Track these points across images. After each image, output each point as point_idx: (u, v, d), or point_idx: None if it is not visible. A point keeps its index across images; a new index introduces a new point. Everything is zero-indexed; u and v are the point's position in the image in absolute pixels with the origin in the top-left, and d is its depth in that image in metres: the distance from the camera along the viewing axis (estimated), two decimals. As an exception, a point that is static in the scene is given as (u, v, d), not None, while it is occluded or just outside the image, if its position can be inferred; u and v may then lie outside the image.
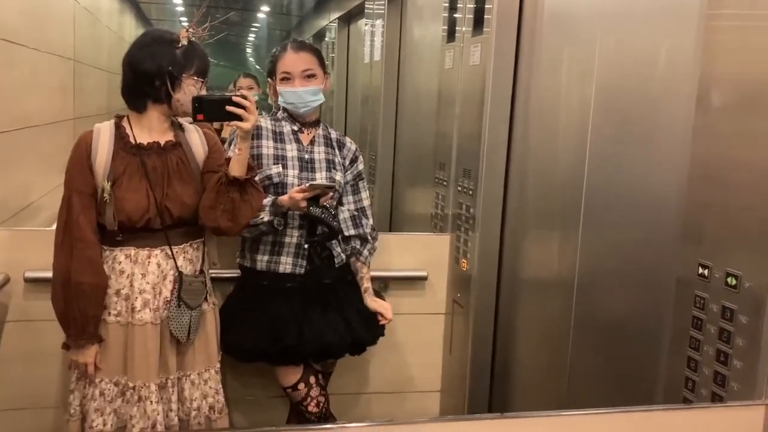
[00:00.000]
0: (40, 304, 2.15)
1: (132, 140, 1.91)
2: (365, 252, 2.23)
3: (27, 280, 2.17)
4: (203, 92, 1.93)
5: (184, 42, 1.91)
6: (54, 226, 1.91)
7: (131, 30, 7.22)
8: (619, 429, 1.24)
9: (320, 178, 2.14)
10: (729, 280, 1.31)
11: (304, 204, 2.00)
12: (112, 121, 1.94)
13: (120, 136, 1.91)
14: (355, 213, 2.23)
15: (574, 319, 1.96)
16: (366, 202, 2.28)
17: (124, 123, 1.94)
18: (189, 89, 1.90)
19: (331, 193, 2.10)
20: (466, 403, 2.48)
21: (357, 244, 2.22)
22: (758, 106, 1.29)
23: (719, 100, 1.39)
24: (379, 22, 3.80)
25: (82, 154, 1.88)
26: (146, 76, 1.89)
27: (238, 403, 2.45)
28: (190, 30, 1.94)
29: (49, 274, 1.92)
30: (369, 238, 2.23)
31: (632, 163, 1.72)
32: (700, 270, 1.38)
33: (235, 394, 2.43)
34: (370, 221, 2.26)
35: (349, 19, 5.30)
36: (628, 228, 1.73)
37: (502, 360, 2.43)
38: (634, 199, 1.70)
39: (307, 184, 2.01)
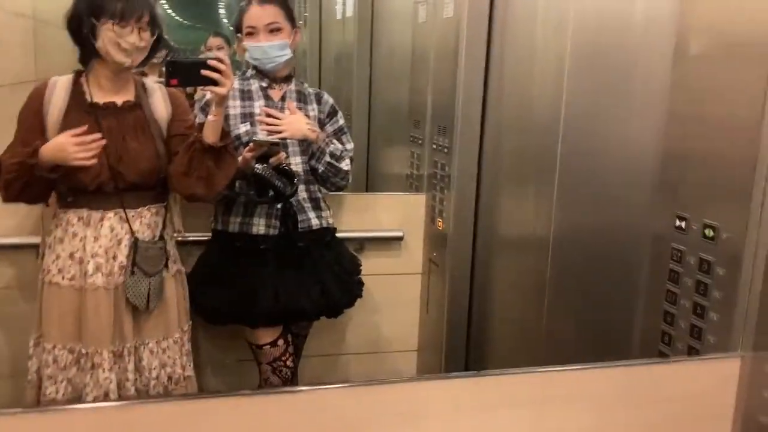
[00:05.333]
0: (6, 271, 2.10)
1: (88, 98, 1.82)
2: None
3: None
4: (130, 38, 1.74)
5: None
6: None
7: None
8: (595, 385, 1.23)
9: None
10: (706, 231, 1.29)
11: (252, 163, 1.94)
12: (71, 76, 1.85)
13: (76, 92, 1.82)
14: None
15: (549, 275, 1.94)
16: (348, 148, 2.21)
17: (83, 79, 1.85)
18: (107, 35, 1.74)
19: (282, 153, 2.01)
20: (443, 362, 2.47)
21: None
22: (736, 57, 1.25)
23: (697, 51, 1.35)
24: (351, -24, 3.69)
25: (33, 107, 1.80)
26: (69, 25, 1.79)
27: (212, 367, 2.42)
28: None
29: (6, 241, 1.86)
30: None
31: (609, 118, 1.68)
32: (677, 222, 1.36)
33: (208, 358, 2.40)
34: (347, 160, 2.18)
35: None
36: (605, 182, 1.70)
37: (479, 318, 2.42)
38: (610, 153, 1.67)
39: (252, 142, 1.95)
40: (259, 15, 2.05)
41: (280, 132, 2.03)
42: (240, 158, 1.93)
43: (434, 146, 2.45)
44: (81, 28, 1.76)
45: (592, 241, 1.77)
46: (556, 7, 1.90)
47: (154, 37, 1.82)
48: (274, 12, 2.06)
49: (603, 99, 1.71)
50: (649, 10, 1.55)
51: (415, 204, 2.55)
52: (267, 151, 1.95)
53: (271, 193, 1.99)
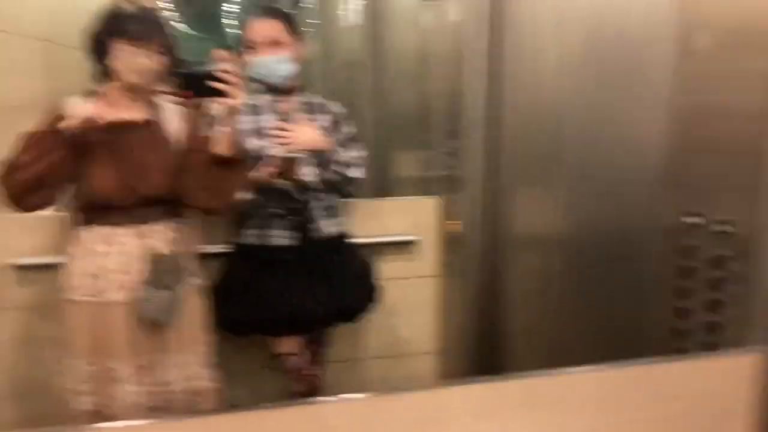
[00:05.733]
0: (30, 290, 2.13)
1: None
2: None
3: (15, 267, 2.13)
4: (143, 60, 1.78)
5: (121, 5, 1.80)
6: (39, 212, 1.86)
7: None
8: (616, 383, 1.23)
9: None
10: (719, 227, 1.29)
11: (273, 178, 1.97)
12: (85, 95, 1.87)
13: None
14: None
15: (565, 275, 1.95)
16: (357, 155, 2.21)
17: (96, 98, 1.88)
18: (121, 55, 1.78)
19: (301, 166, 2.02)
20: (461, 364, 2.48)
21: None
22: (740, 48, 1.25)
23: (701, 44, 1.35)
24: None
25: (49, 124, 1.81)
26: (86, 41, 1.82)
27: (237, 377, 2.44)
28: None
29: (38, 260, 1.89)
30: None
31: (615, 114, 1.68)
32: (689, 218, 1.36)
33: (233, 367, 2.42)
34: (357, 168, 2.17)
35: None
36: (613, 179, 1.70)
37: (495, 318, 2.43)
38: (618, 149, 1.68)
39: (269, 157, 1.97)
40: (259, 29, 2.06)
41: (292, 145, 2.04)
42: (258, 174, 1.95)
43: (444, 149, 2.46)
44: (97, 45, 1.80)
45: (606, 239, 1.78)
46: (559, 6, 1.91)
47: (168, 59, 1.84)
48: (274, 26, 2.06)
49: (611, 97, 1.71)
50: (651, 4, 1.55)
51: (428, 207, 2.56)
52: (287, 165, 1.98)
53: (291, 205, 2.02)
